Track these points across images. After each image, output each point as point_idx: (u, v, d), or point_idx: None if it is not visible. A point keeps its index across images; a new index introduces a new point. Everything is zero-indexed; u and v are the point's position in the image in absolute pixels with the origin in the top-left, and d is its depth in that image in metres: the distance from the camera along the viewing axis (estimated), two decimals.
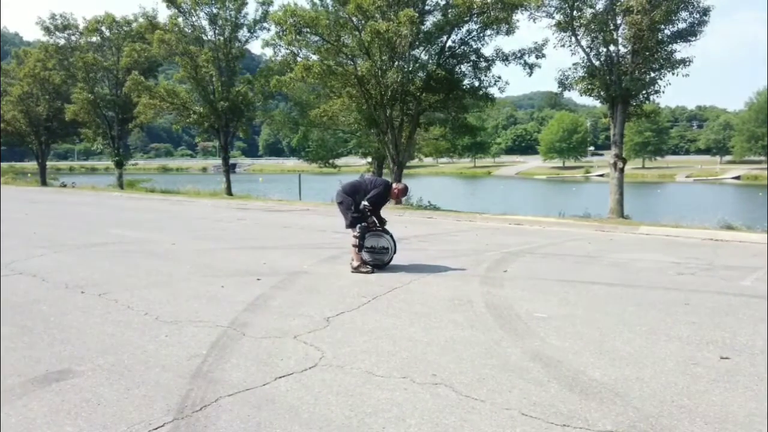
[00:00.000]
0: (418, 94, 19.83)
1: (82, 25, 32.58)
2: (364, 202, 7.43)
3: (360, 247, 7.46)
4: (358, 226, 7.44)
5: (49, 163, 42.73)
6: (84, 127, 33.54)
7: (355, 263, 7.46)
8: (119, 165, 33.73)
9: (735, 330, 4.86)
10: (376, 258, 7.61)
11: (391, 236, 7.70)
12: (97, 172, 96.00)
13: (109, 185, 35.09)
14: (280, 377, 3.81)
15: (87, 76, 30.88)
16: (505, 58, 19.76)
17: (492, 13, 18.27)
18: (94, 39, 32.34)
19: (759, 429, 3.09)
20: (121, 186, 32.77)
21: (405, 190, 8.04)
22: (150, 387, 3.66)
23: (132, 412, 3.31)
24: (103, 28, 31.67)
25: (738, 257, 8.85)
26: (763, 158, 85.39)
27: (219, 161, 34.56)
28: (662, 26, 16.06)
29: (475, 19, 19.03)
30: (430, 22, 19.92)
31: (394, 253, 7.68)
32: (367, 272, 7.36)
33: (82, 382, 3.75)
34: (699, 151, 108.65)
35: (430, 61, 20.03)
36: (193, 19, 26.58)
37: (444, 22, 19.42)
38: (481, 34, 19.80)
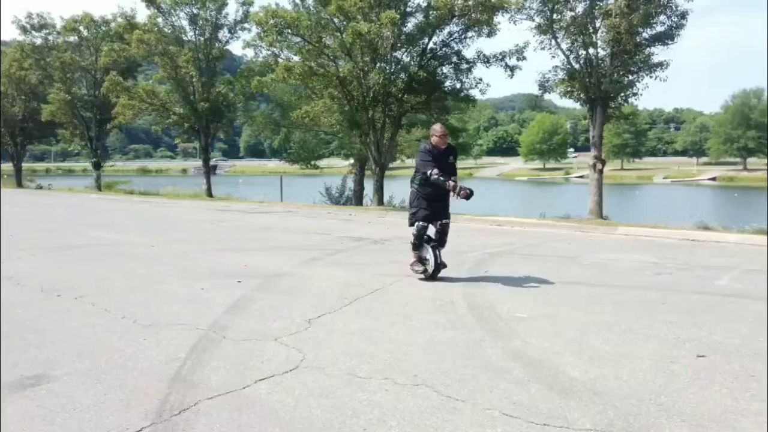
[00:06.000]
0: (400, 95, 19.86)
1: (59, 25, 32.06)
2: (432, 173, 6.55)
3: (414, 245, 6.90)
4: (416, 223, 6.84)
5: (24, 165, 41.91)
6: (61, 128, 32.97)
7: (411, 260, 7.03)
8: (97, 166, 33.23)
9: (711, 328, 4.93)
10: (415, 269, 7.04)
11: (434, 247, 6.83)
12: (74, 174, 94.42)
13: (86, 187, 34.60)
14: (261, 380, 3.78)
15: (64, 76, 30.36)
16: (487, 60, 19.88)
17: (473, 16, 18.37)
18: (71, 38, 31.79)
19: (734, 426, 3.14)
20: (99, 188, 32.28)
21: (442, 131, 6.92)
22: (127, 391, 3.61)
23: (109, 416, 3.26)
24: (81, 28, 31.15)
25: (714, 257, 8.99)
26: (738, 160, 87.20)
27: (199, 163, 34.24)
28: (640, 29, 16.29)
29: (457, 21, 19.12)
30: (411, 23, 19.98)
31: (438, 267, 6.79)
32: (418, 272, 6.91)
33: (57, 387, 3.68)
34: (676, 153, 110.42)
35: (412, 63, 20.08)
36: (173, 19, 26.32)
37: (425, 24, 19.48)
38: (463, 37, 19.90)
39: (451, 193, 6.59)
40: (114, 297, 6.13)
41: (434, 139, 6.87)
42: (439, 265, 6.79)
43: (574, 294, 6.29)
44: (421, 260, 6.95)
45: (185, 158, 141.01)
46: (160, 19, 26.09)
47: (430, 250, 6.84)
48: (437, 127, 6.99)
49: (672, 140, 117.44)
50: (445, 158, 6.85)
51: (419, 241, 6.87)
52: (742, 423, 3.18)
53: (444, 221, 6.90)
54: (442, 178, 6.53)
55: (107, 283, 6.86)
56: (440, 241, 6.94)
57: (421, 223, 6.81)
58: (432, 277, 6.81)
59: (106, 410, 3.34)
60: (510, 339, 4.66)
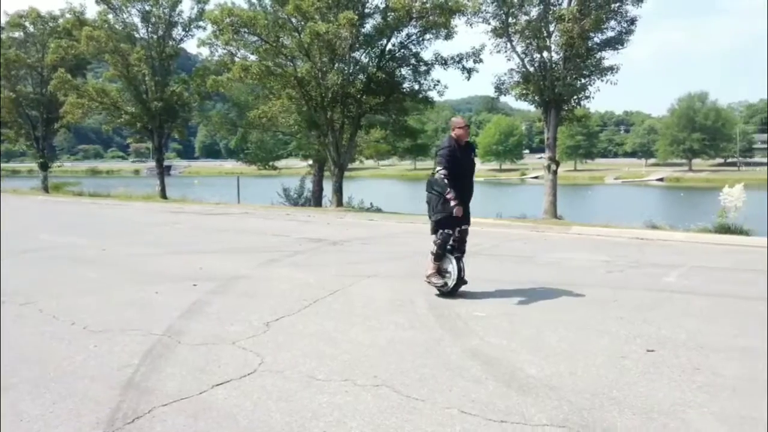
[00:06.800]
0: (358, 96, 19.85)
1: (3, 20, 30.75)
2: (438, 169, 6.02)
3: (438, 256, 6.14)
4: (440, 231, 6.14)
5: None
6: (5, 127, 31.62)
7: (429, 272, 6.26)
8: (44, 167, 31.97)
9: (660, 324, 5.11)
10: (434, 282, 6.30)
11: (458, 258, 6.18)
12: (19, 175, 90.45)
13: (32, 188, 33.26)
14: (218, 385, 3.71)
15: (8, 73, 29.13)
16: (444, 63, 20.08)
17: (431, 18, 18.53)
18: (16, 34, 30.53)
19: (682, 418, 3.26)
20: (46, 189, 31.09)
21: (464, 121, 6.38)
22: (77, 400, 3.49)
23: (58, 426, 3.14)
24: (27, 23, 29.92)
25: (662, 255, 9.32)
26: (684, 161, 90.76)
27: (153, 163, 33.39)
28: (592, 34, 16.76)
29: (414, 23, 19.24)
30: (370, 25, 20.01)
31: (460, 280, 6.15)
32: (438, 285, 6.19)
33: (3, 397, 3.52)
34: (626, 154, 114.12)
35: (371, 64, 20.10)
36: (125, 16, 25.61)
37: (384, 25, 19.54)
38: (421, 39, 20.05)
39: (451, 203, 5.99)
40: (63, 303, 5.91)
41: (457, 132, 6.25)
42: (461, 280, 6.16)
43: (530, 293, 6.42)
44: (441, 272, 6.22)
45: (138, 159, 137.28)
46: (110, 16, 25.36)
47: (453, 261, 6.15)
48: (458, 120, 6.39)
49: (622, 142, 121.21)
50: (467, 155, 6.32)
51: (443, 251, 6.16)
52: (689, 414, 3.30)
53: (464, 227, 6.28)
54: (450, 198, 5.97)
55: (56, 288, 6.62)
56: (460, 249, 6.29)
57: (447, 230, 6.14)
58: (452, 292, 6.16)
59: (54, 420, 3.22)
60: (468, 338, 4.72)
